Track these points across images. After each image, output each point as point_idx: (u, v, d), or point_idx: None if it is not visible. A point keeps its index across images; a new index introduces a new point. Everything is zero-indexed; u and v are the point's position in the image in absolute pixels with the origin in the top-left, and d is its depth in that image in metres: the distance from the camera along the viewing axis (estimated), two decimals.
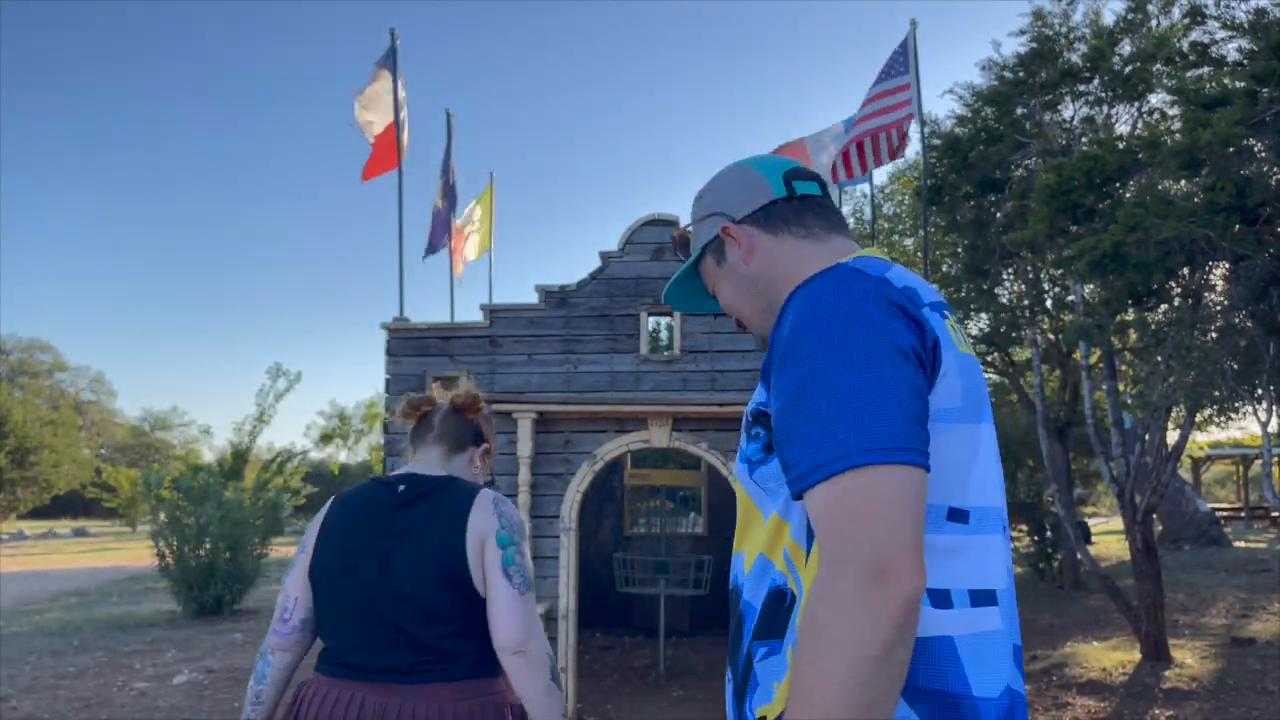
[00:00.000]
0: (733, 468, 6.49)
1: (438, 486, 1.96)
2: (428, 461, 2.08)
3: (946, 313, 1.13)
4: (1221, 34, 7.41)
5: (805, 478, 0.98)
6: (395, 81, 7.60)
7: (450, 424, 2.13)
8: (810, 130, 8.75)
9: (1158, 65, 7.88)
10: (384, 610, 1.84)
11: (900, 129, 7.70)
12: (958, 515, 1.05)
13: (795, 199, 1.27)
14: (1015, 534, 15.38)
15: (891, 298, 1.04)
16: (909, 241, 15.16)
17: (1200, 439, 19.31)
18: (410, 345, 7.05)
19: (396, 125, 7.60)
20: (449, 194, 8.72)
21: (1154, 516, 9.77)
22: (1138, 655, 8.36)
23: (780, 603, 1.09)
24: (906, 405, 0.97)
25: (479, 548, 1.88)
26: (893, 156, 8.00)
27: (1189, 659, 8.26)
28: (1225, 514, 25.12)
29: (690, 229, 1.38)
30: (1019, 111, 8.87)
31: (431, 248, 8.64)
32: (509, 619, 1.83)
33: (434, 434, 2.11)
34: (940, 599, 1.02)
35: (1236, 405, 8.37)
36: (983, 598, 1.04)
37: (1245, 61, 6.80)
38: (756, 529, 1.16)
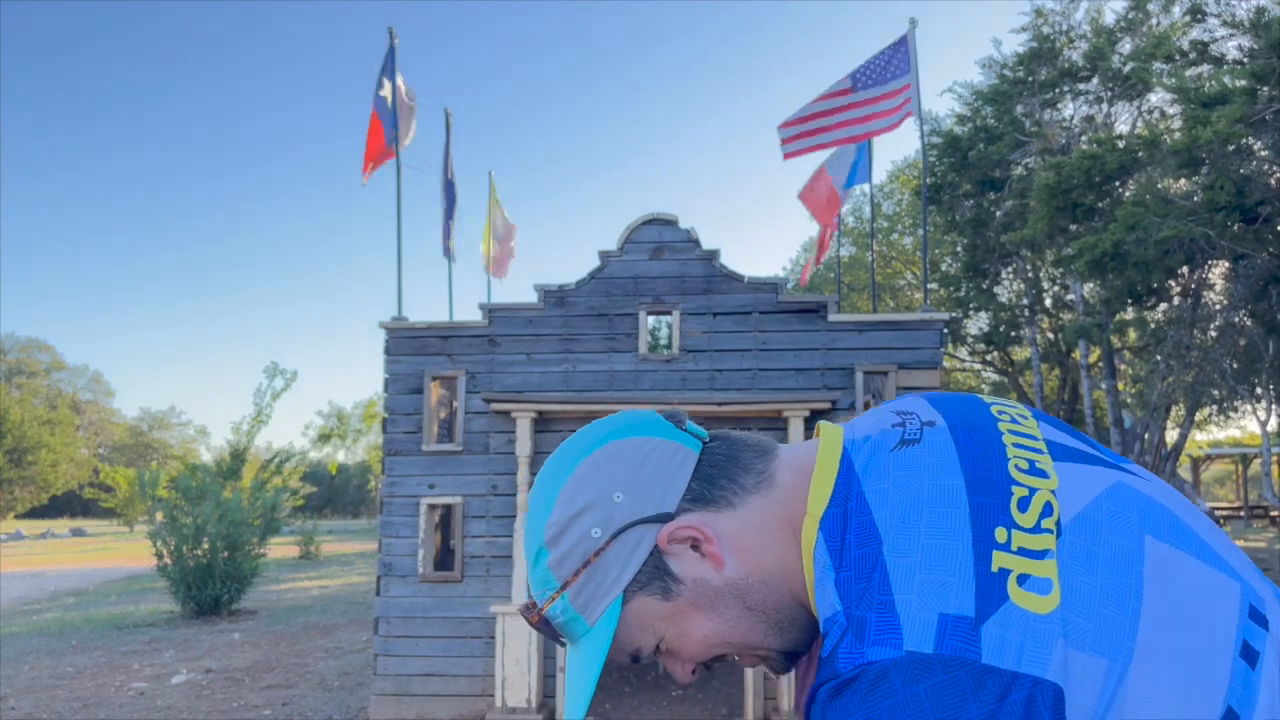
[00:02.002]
0: None
1: None
2: None
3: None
4: (1221, 32, 7.40)
5: None
6: (395, 81, 7.57)
7: None
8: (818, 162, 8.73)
9: (1158, 63, 7.87)
10: None
11: (886, 128, 7.65)
12: None
13: (707, 443, 0.82)
14: None
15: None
16: (908, 240, 15.16)
17: (1199, 438, 19.31)
18: (409, 345, 7.03)
19: (388, 120, 7.55)
20: (448, 193, 8.71)
21: None
22: None
23: None
24: None
25: None
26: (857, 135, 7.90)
27: None
28: (1225, 513, 25.14)
29: (556, 596, 0.80)
30: (1019, 110, 8.87)
31: (448, 250, 8.77)
32: None
33: None
34: None
35: (1236, 404, 8.38)
36: None
37: (1245, 59, 6.80)
38: None
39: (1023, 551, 0.67)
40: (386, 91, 7.53)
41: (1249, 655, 0.69)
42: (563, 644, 0.83)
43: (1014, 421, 0.80)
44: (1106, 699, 0.65)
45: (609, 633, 0.78)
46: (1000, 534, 0.68)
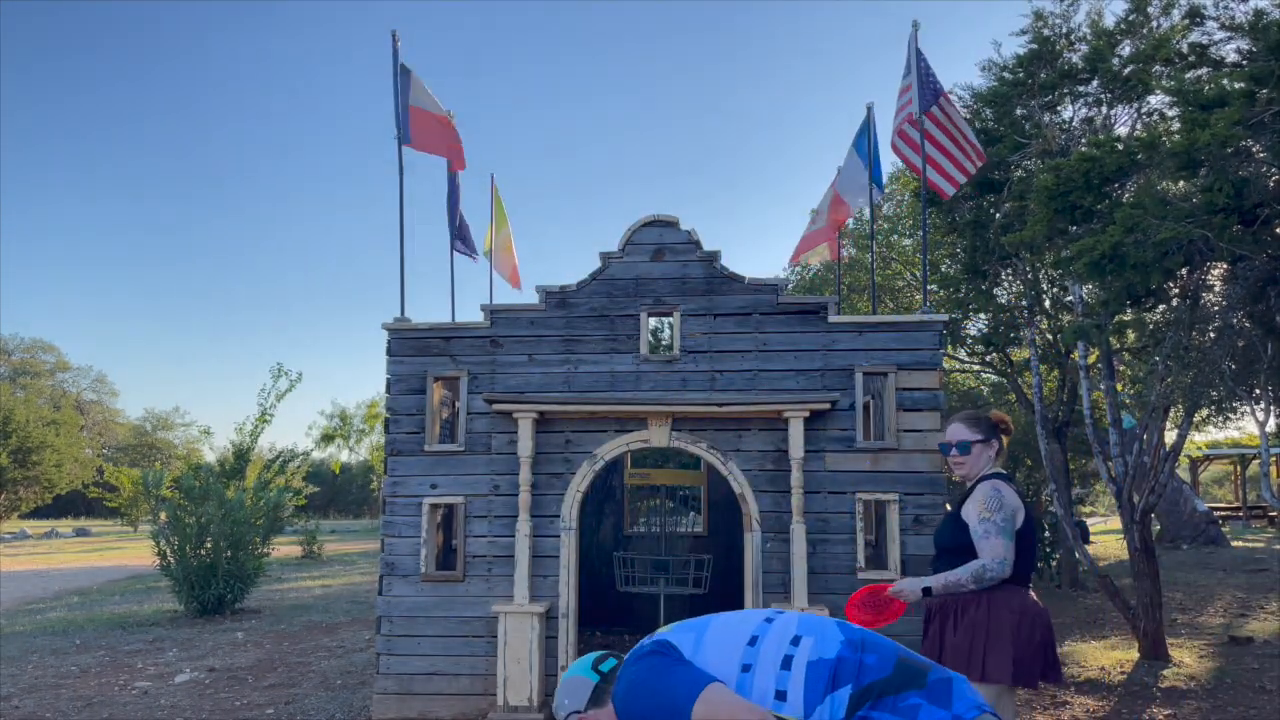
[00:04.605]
0: (731, 467, 6.48)
1: (980, 479, 3.59)
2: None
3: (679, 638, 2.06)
4: (1220, 35, 7.43)
5: None
6: (397, 86, 7.61)
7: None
8: (832, 172, 8.85)
9: (1157, 66, 7.89)
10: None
11: (903, 130, 7.66)
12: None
13: (606, 674, 2.10)
14: None
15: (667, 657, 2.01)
16: (908, 242, 15.18)
17: (1198, 439, 19.32)
18: (411, 345, 7.08)
19: (400, 122, 7.60)
20: (452, 195, 8.74)
21: (1152, 516, 9.79)
22: (1136, 654, 8.38)
23: None
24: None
25: (969, 514, 3.49)
26: (964, 176, 7.69)
27: (1187, 658, 8.29)
28: (1223, 513, 25.15)
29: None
30: (1018, 112, 8.89)
31: (470, 250, 8.88)
32: (978, 546, 3.41)
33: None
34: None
35: (1234, 405, 8.39)
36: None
37: (1244, 62, 6.82)
38: None
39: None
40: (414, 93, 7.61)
41: (753, 641, 1.95)
42: None
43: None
44: (693, 647, 1.96)
45: None
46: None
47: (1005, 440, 3.70)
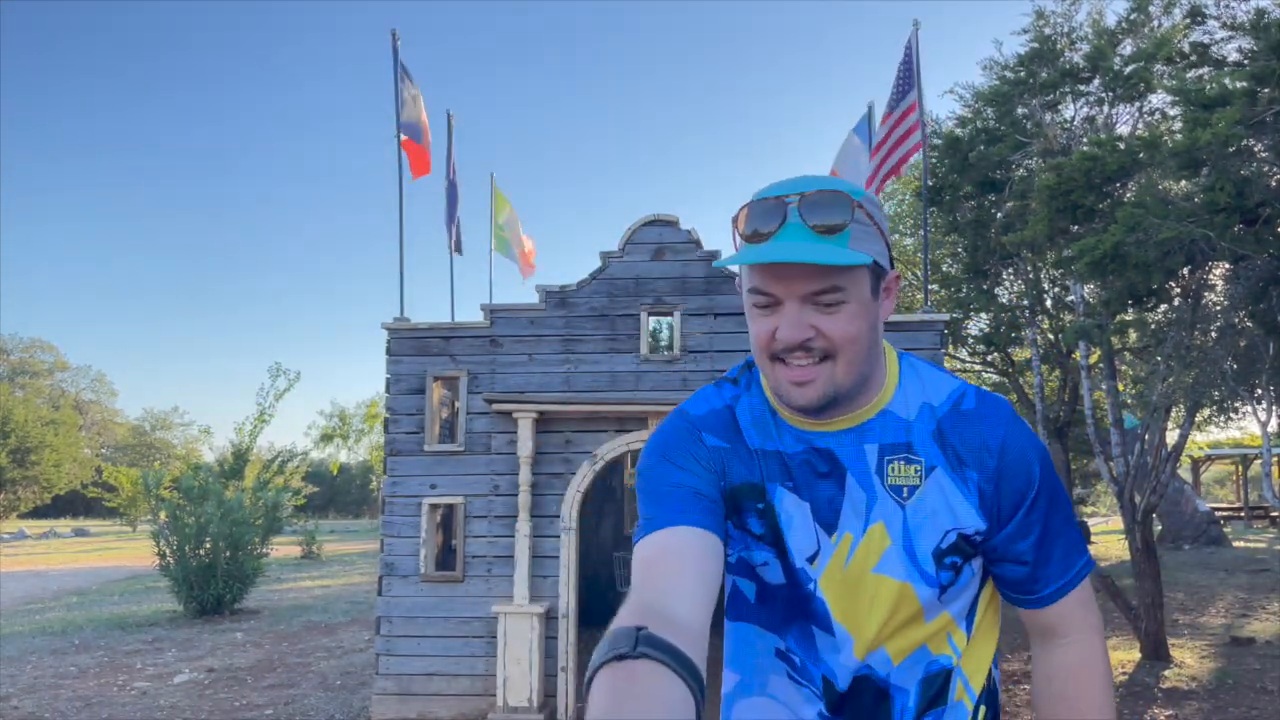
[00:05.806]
0: None
1: None
2: None
3: None
4: (1221, 34, 7.41)
5: (1075, 580, 1.29)
6: (398, 85, 7.59)
7: None
8: (834, 150, 8.88)
9: (1158, 65, 7.88)
10: None
11: (907, 158, 7.67)
12: None
13: None
14: None
15: None
16: (909, 241, 15.17)
17: (1199, 439, 19.31)
18: (411, 345, 7.06)
19: (399, 126, 7.60)
20: (450, 195, 8.73)
21: (1153, 516, 9.77)
22: (1137, 654, 8.37)
23: (945, 679, 1.32)
24: None
25: None
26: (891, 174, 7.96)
27: (1188, 658, 8.27)
28: (1224, 514, 25.13)
29: (860, 206, 1.17)
30: (1020, 112, 8.87)
31: (458, 246, 8.89)
32: None
33: None
34: None
35: (1236, 405, 8.38)
36: None
37: (1245, 61, 6.80)
38: (913, 628, 1.31)
39: None
40: (407, 95, 7.60)
41: None
42: (824, 230, 1.14)
43: None
44: None
45: (850, 258, 1.12)
46: None
47: None
